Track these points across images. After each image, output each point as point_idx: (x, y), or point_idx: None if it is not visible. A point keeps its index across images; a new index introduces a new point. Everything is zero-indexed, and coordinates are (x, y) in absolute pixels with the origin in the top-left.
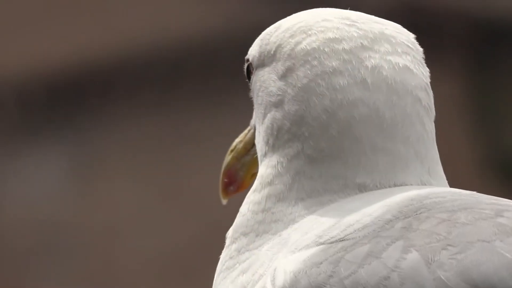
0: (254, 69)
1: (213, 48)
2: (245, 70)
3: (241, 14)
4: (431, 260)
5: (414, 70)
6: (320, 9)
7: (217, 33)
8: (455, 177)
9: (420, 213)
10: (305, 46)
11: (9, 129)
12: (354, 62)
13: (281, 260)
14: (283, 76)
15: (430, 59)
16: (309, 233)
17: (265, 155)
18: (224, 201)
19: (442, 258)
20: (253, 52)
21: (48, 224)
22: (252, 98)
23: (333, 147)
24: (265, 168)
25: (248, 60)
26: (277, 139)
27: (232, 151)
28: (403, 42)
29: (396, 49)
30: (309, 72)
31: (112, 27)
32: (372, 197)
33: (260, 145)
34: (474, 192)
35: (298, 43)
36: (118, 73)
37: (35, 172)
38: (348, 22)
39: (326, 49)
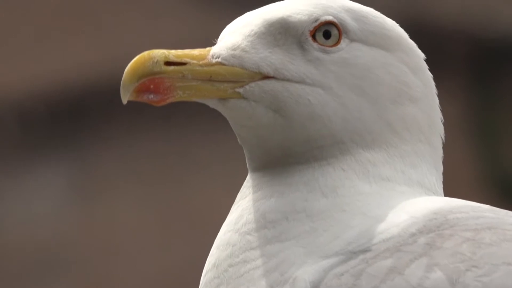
0: (348, 40)
1: None
2: (317, 26)
3: None
4: (456, 281)
5: None
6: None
7: None
8: (455, 195)
9: (443, 229)
10: (419, 53)
11: (10, 148)
12: None
13: (304, 267)
14: (415, 72)
15: None
16: (340, 236)
17: (384, 142)
18: (125, 101)
19: (466, 279)
20: (349, 21)
21: (47, 243)
22: (308, 50)
23: (438, 157)
24: (386, 157)
25: (333, 22)
26: (410, 134)
27: (176, 63)
28: None
29: None
30: (431, 81)
31: (113, 45)
32: (414, 202)
33: (370, 127)
34: (494, 207)
35: (415, 46)
36: (118, 93)
37: (35, 190)
38: None
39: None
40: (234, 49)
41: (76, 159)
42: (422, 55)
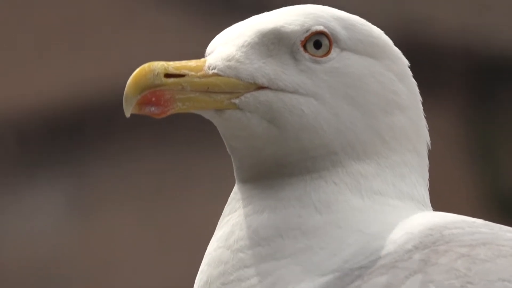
0: (339, 49)
1: None
2: (308, 36)
3: None
4: None
5: None
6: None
7: None
8: (453, 212)
9: (438, 245)
10: (405, 60)
11: (8, 165)
12: None
13: (300, 285)
14: (402, 80)
15: (428, 95)
16: (337, 254)
17: (375, 153)
18: (128, 114)
19: None
20: (339, 30)
21: (46, 260)
22: (300, 62)
23: (424, 165)
24: (377, 170)
25: (324, 32)
26: (400, 144)
27: (175, 75)
28: None
29: None
30: (416, 88)
31: (111, 63)
32: (409, 218)
33: (361, 137)
34: (488, 222)
35: (400, 53)
36: (117, 109)
37: (34, 208)
38: None
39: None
40: (229, 60)
41: (75, 175)
42: (407, 62)
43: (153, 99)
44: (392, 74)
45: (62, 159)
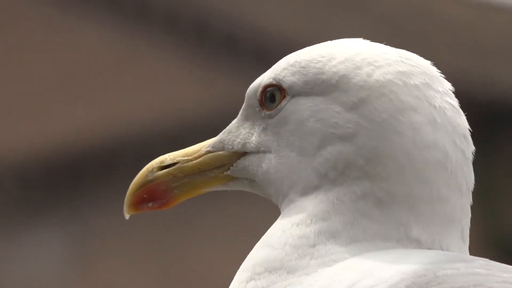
0: (290, 96)
1: (215, 127)
2: (260, 93)
3: (237, 95)
4: None
5: (462, 113)
6: (355, 40)
7: (218, 114)
8: None
9: (431, 286)
10: (379, 77)
11: (8, 209)
12: (424, 100)
13: None
14: (354, 108)
15: None
16: None
17: (315, 188)
18: (128, 216)
19: None
20: (287, 78)
21: None
22: (261, 120)
23: (404, 192)
24: (317, 202)
25: (273, 84)
26: (342, 175)
27: (165, 166)
28: (445, 82)
29: (447, 89)
30: (388, 106)
31: (111, 108)
32: (403, 257)
33: (301, 176)
34: (488, 262)
35: (369, 74)
36: (117, 154)
37: (34, 252)
38: (404, 57)
39: (399, 83)
40: (224, 132)
41: (75, 221)
42: (374, 86)
43: (145, 196)
44: (337, 106)
45: (62, 205)
